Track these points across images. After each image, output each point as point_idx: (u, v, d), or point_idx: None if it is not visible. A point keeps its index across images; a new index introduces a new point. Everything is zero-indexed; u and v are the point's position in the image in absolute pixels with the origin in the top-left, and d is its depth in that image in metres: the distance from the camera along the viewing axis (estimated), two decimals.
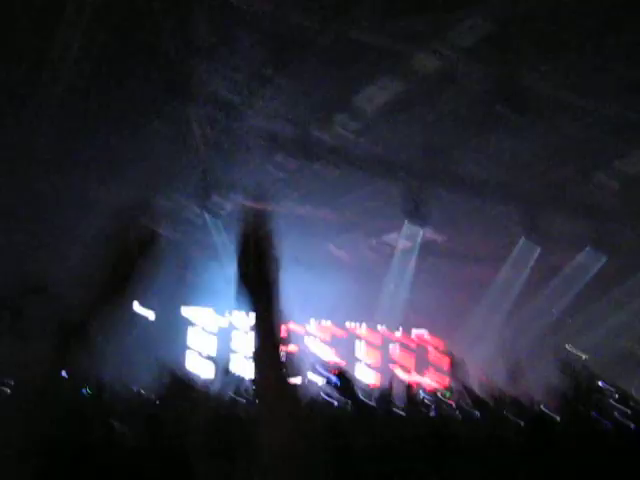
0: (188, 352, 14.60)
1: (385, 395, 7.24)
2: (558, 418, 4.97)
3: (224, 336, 15.30)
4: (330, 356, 15.62)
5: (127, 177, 10.47)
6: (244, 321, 15.42)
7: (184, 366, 13.78)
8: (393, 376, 13.70)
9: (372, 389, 9.85)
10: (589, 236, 13.75)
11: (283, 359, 1.48)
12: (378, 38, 8.24)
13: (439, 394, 8.53)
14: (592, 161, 11.51)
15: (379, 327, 16.83)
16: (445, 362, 10.04)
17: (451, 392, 7.87)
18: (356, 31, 8.06)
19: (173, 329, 14.28)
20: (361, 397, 5.90)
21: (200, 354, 14.47)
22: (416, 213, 12.22)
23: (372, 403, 6.98)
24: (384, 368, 16.22)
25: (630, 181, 11.73)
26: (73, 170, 10.65)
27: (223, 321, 15.40)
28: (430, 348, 17.00)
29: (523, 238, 13.41)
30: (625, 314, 14.88)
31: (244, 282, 1.51)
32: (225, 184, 11.22)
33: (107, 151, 10.16)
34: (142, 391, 7.52)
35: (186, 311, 14.88)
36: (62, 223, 11.40)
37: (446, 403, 7.58)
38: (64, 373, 1.09)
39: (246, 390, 7.85)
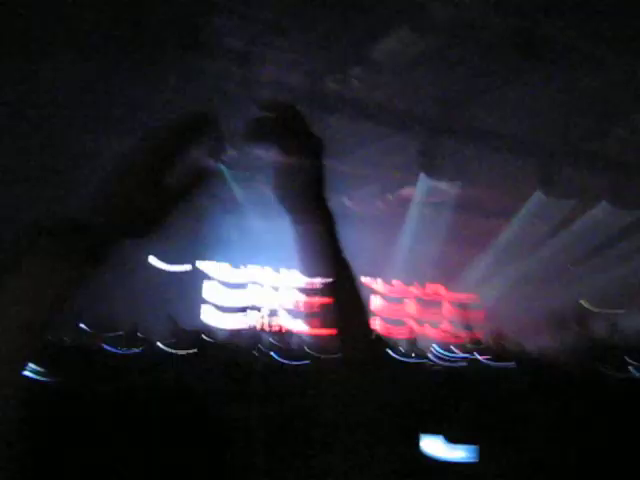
0: (204, 306, 14.72)
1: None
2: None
3: (240, 289, 15.43)
4: None
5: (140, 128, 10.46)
6: (260, 275, 15.57)
7: (199, 319, 13.97)
8: (411, 329, 13.91)
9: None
10: (605, 190, 13.67)
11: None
12: None
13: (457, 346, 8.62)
14: (611, 114, 11.38)
15: (394, 281, 16.89)
16: (461, 315, 10.06)
17: (476, 344, 7.93)
18: None
19: (189, 282, 14.39)
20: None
21: (216, 307, 14.63)
22: (432, 166, 12.18)
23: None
24: (400, 321, 16.33)
25: None
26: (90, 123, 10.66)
27: (240, 275, 15.50)
28: (445, 302, 17.10)
29: (538, 192, 13.33)
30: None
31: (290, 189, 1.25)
32: (239, 136, 11.19)
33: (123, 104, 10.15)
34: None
35: (202, 265, 14.97)
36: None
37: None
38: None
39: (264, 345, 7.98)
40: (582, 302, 14.57)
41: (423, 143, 11.91)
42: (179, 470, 1.16)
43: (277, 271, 15.68)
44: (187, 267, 14.29)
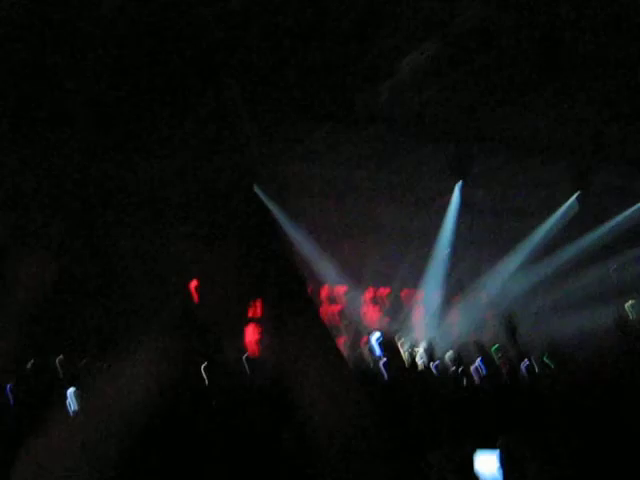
0: None
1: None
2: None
3: None
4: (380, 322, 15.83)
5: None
6: None
7: None
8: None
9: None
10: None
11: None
12: None
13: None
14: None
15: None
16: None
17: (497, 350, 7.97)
18: None
19: None
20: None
21: None
22: (466, 173, 12.26)
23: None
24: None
25: None
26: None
27: None
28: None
29: (574, 194, 13.31)
30: None
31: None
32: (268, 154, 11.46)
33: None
34: None
35: None
36: None
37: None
38: None
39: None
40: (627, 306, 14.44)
41: (455, 151, 11.99)
42: None
43: None
44: None
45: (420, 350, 14.59)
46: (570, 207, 13.67)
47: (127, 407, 1.01)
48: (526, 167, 13.05)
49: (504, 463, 3.66)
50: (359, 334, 16.39)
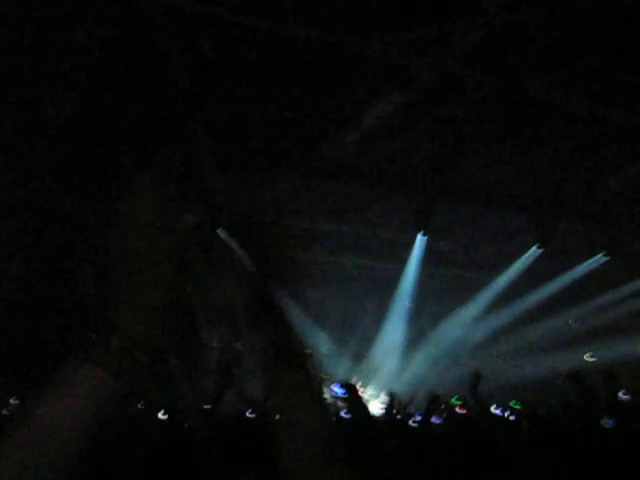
0: None
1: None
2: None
3: None
4: None
5: None
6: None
7: None
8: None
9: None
10: (600, 242, 13.79)
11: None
12: (378, 49, 8.26)
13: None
14: (601, 168, 11.56)
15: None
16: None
17: (459, 401, 7.98)
18: (356, 42, 8.04)
19: None
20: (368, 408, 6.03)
21: None
22: (428, 226, 12.31)
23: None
24: None
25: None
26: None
27: None
28: None
29: (534, 246, 13.45)
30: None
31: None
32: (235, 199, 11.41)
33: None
34: None
35: None
36: None
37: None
38: None
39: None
40: (586, 357, 14.59)
41: (419, 203, 12.04)
42: None
43: None
44: None
45: (380, 399, 14.53)
46: (531, 257, 13.82)
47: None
48: (488, 218, 13.19)
49: None
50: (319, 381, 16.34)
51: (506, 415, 7.86)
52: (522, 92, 9.04)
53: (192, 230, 1.24)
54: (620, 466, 4.16)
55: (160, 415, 7.63)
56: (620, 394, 5.99)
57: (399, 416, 8.44)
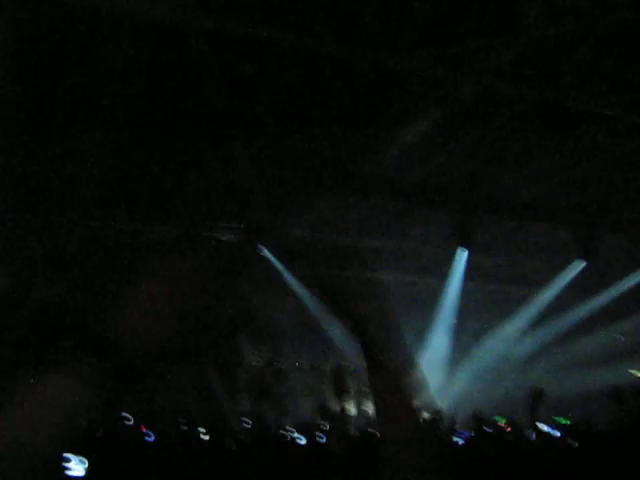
0: None
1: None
2: None
3: None
4: None
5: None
6: None
7: None
8: None
9: None
10: None
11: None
12: (416, 65, 8.27)
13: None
14: None
15: None
16: None
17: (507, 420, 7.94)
18: (394, 59, 8.04)
19: None
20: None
21: None
22: (467, 239, 12.25)
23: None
24: None
25: None
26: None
27: None
28: None
29: (577, 259, 13.29)
30: None
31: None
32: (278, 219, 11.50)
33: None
34: None
35: None
36: None
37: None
38: None
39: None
40: (633, 372, 14.32)
41: (460, 218, 12.01)
42: None
43: None
44: None
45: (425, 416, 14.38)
46: (575, 271, 13.65)
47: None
48: (531, 233, 13.08)
49: None
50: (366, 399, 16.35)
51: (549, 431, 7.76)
52: (562, 105, 8.98)
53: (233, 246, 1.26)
54: None
55: (202, 435, 7.69)
56: None
57: (442, 433, 8.39)
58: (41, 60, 7.58)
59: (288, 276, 12.69)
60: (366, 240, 13.09)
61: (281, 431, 7.98)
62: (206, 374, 14.20)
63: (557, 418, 8.22)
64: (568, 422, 8.01)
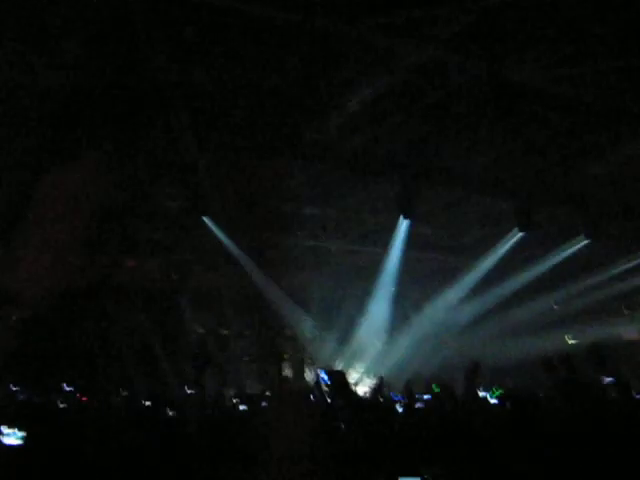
0: None
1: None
2: None
3: None
4: None
5: None
6: None
7: None
8: None
9: None
10: (580, 226, 13.86)
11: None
12: (362, 33, 8.15)
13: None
14: (582, 151, 11.61)
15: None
16: None
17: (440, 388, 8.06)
18: (340, 26, 7.92)
19: None
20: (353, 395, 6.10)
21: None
22: (408, 209, 12.31)
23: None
24: None
25: (621, 170, 11.92)
26: None
27: None
28: None
29: (515, 229, 13.51)
30: None
31: None
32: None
33: None
34: None
35: None
36: None
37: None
38: None
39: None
40: (567, 339, 14.75)
41: (402, 188, 12.05)
42: None
43: None
44: None
45: (366, 383, 14.65)
46: (513, 242, 13.90)
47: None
48: (470, 203, 13.26)
49: None
50: (302, 365, 16.48)
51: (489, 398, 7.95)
52: (505, 77, 9.04)
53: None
54: (600, 447, 4.23)
55: (145, 402, 7.66)
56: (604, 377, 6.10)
57: (382, 399, 8.53)
58: None
59: (230, 244, 12.62)
60: (308, 207, 13.09)
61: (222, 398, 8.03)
62: (149, 342, 14.10)
63: (490, 391, 8.42)
64: (500, 391, 8.20)
